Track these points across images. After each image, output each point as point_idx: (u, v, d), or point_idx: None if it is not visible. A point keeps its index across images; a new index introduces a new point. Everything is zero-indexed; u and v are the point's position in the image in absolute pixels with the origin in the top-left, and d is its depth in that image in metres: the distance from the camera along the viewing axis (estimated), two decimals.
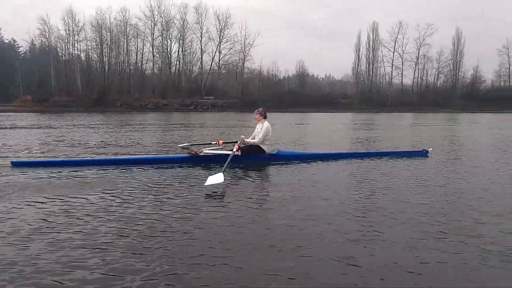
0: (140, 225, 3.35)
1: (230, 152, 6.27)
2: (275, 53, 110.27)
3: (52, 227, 3.29)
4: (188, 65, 65.94)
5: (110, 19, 60.42)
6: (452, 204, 4.28)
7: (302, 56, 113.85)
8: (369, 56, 72.13)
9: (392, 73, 71.98)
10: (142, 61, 63.99)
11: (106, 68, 60.40)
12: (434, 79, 73.52)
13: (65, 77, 57.90)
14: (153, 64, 64.44)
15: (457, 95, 67.62)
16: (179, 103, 55.54)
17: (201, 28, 63.73)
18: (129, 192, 4.54)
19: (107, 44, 60.67)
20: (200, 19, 63.54)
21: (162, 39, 62.98)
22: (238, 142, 6.69)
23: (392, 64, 71.91)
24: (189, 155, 6.79)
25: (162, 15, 62.33)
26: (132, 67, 63.41)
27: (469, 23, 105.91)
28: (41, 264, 2.54)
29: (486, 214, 3.83)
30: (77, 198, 4.24)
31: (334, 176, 5.85)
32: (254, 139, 7.03)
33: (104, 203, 4.07)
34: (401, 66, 72.09)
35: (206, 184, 4.79)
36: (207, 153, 6.74)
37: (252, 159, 6.84)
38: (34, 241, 2.95)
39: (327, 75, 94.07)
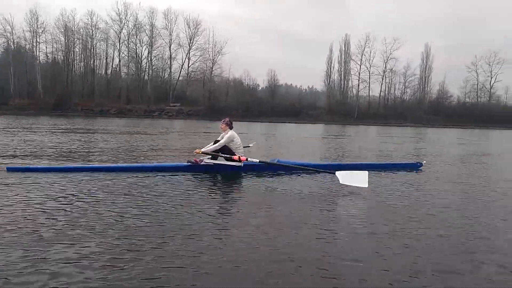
0: (133, 233, 3.36)
1: (233, 163, 6.52)
2: (251, 62, 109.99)
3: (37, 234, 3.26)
4: (157, 71, 64.99)
5: (74, 21, 58.98)
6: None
7: (282, 65, 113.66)
8: (340, 69, 72.86)
9: (359, 86, 72.61)
10: (108, 66, 62.71)
11: (70, 71, 58.63)
12: (400, 93, 74.65)
13: (26, 79, 55.92)
14: (119, 69, 63.08)
15: (423, 109, 68.66)
16: (143, 110, 54.31)
17: (170, 34, 63.00)
18: (125, 200, 4.52)
19: (71, 47, 59.13)
20: (169, 25, 62.84)
21: (128, 44, 61.81)
22: (195, 156, 6.87)
23: (359, 77, 72.61)
24: (189, 163, 6.76)
25: (129, 19, 61.35)
26: (98, 72, 62.02)
27: (440, 38, 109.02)
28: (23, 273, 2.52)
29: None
30: (73, 206, 4.21)
31: (321, 188, 5.85)
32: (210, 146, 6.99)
33: (98, 211, 4.03)
34: (368, 80, 72.89)
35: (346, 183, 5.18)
36: (208, 162, 6.77)
37: (254, 169, 6.89)
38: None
39: (309, 86, 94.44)
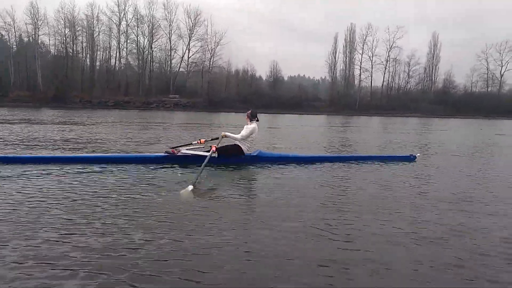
0: (105, 226, 3.30)
1: (208, 154, 6.21)
2: (258, 54, 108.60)
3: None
4: (157, 63, 64.66)
5: (73, 13, 58.84)
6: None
7: (291, 56, 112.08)
8: (345, 59, 71.46)
9: (360, 76, 71.12)
10: (108, 58, 62.47)
11: (69, 63, 58.69)
12: (404, 83, 72.93)
13: (26, 71, 56.26)
14: (119, 61, 62.93)
15: (428, 99, 66.95)
16: (141, 101, 54.14)
17: (170, 26, 62.46)
18: (98, 192, 4.46)
19: (71, 39, 59.14)
20: (169, 16, 62.29)
21: (126, 36, 61.40)
22: (219, 139, 6.80)
23: (360, 67, 71.08)
24: (166, 154, 6.66)
25: (128, 10, 60.93)
26: (98, 64, 62.00)
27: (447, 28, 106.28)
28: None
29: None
30: (48, 194, 4.24)
31: (316, 180, 5.73)
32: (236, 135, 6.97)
33: (66, 203, 3.95)
34: (371, 69, 71.38)
35: (180, 196, 4.57)
36: (185, 153, 6.67)
37: (232, 160, 6.78)
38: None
39: (321, 78, 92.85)
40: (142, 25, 61.61)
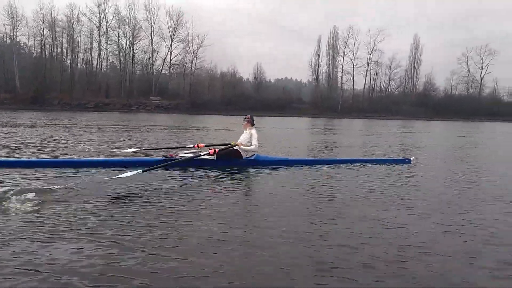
0: (103, 227, 3.35)
1: (207, 156, 6.43)
2: (244, 55, 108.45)
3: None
4: (140, 65, 64.06)
5: (52, 14, 57.88)
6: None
7: (280, 58, 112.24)
8: (328, 62, 71.84)
9: (342, 78, 71.57)
10: (88, 59, 61.60)
11: (49, 65, 57.69)
12: (386, 86, 73.65)
13: (3, 73, 55.09)
14: (100, 63, 62.12)
15: (409, 102, 67.77)
16: (122, 103, 53.52)
17: (151, 27, 61.95)
18: (97, 196, 4.42)
19: (50, 40, 58.18)
20: (150, 17, 61.76)
21: (106, 37, 60.62)
22: (231, 145, 6.89)
23: (342, 69, 71.58)
24: (164, 158, 6.65)
25: (109, 12, 60.19)
26: (79, 65, 61.11)
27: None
28: None
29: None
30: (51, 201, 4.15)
31: (314, 183, 5.75)
32: (248, 146, 7.05)
33: (69, 207, 3.94)
34: (352, 72, 71.90)
35: (119, 176, 4.85)
36: (183, 156, 6.70)
37: (230, 163, 6.83)
38: None
39: (300, 79, 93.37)
40: (123, 27, 60.97)
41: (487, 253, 3.16)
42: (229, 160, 6.88)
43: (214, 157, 6.56)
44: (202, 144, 7.37)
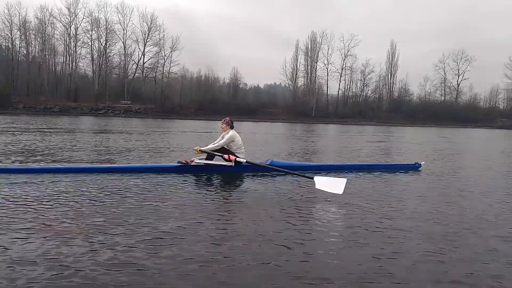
0: (123, 235, 3.25)
1: (224, 163, 6.52)
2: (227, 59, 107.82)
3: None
4: (112, 68, 63.10)
5: (20, 15, 56.83)
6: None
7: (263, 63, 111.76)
8: (307, 67, 71.59)
9: (316, 83, 71.28)
10: (59, 62, 60.57)
11: (16, 67, 56.52)
12: (360, 92, 73.54)
13: None
14: (70, 66, 61.03)
15: (384, 107, 67.83)
16: (89, 107, 52.57)
17: (124, 30, 61.15)
18: (114, 202, 4.37)
19: (19, 43, 57.14)
20: (123, 20, 60.98)
21: (76, 39, 59.66)
22: (194, 152, 6.73)
23: (316, 75, 71.39)
24: (179, 164, 6.60)
25: (81, 14, 59.28)
26: (49, 68, 59.86)
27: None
28: None
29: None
30: (64, 208, 4.08)
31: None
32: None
33: (86, 213, 3.89)
34: (327, 77, 71.84)
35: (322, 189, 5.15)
36: (199, 162, 6.63)
37: (246, 170, 6.75)
38: None
39: (279, 83, 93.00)
40: (97, 29, 60.02)
41: None
42: (245, 167, 6.72)
43: (232, 164, 6.50)
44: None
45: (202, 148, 6.69)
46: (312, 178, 5.56)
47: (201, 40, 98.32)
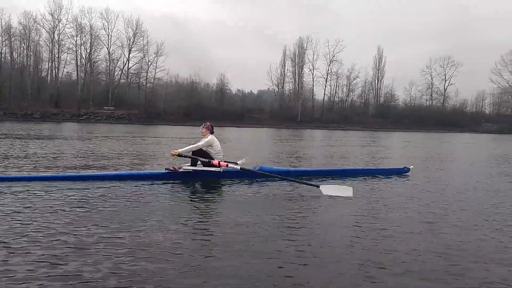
0: (107, 243, 3.25)
1: (212, 169, 6.42)
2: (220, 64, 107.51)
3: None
4: (97, 74, 62.55)
5: (3, 21, 56.28)
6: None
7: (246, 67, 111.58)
8: (294, 72, 71.53)
9: (301, 88, 71.14)
10: (43, 68, 59.89)
11: None
12: (345, 97, 73.50)
13: None
14: (53, 71, 60.38)
15: (370, 113, 67.86)
16: (71, 113, 51.97)
17: (108, 35, 60.75)
18: (98, 210, 4.35)
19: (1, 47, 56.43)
20: (108, 25, 60.64)
21: (59, 44, 59.04)
22: (172, 156, 6.68)
23: (301, 79, 71.30)
24: (167, 171, 6.58)
25: (65, 20, 58.75)
26: (32, 74, 59.14)
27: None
28: None
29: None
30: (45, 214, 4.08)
31: (315, 196, 5.60)
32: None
33: (74, 221, 3.89)
34: (312, 82, 71.82)
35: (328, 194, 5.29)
36: (186, 169, 6.62)
37: (233, 176, 6.76)
38: None
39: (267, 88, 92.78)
40: (80, 35, 59.54)
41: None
42: (232, 172, 6.72)
43: (221, 170, 6.49)
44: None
45: (179, 150, 6.58)
46: (318, 187, 5.71)
47: (194, 44, 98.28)
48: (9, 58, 58.01)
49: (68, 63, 60.71)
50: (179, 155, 6.59)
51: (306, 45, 70.43)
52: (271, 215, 4.43)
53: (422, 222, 4.34)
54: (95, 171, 7.58)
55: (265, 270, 2.83)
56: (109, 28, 60.78)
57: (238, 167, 6.47)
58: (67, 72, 61.55)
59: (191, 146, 6.80)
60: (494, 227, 4.22)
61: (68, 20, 58.62)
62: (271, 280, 2.66)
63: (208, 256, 3.09)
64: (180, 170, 6.57)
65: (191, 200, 5.15)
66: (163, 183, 6.14)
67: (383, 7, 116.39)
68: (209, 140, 6.84)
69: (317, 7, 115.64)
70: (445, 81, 77.18)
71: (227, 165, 6.47)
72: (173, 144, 15.69)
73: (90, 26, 59.55)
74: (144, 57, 61.24)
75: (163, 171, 6.65)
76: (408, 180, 7.62)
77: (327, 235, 3.74)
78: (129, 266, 2.80)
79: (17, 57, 58.37)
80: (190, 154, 6.70)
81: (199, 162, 6.81)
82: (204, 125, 7.16)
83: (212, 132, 7.05)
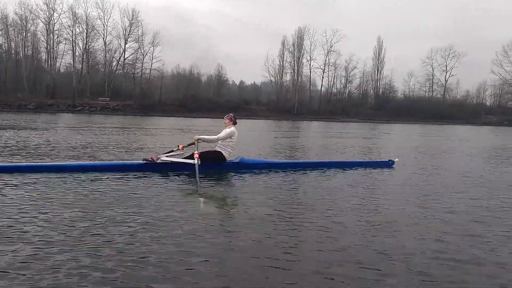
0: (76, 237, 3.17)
1: (191, 161, 6.08)
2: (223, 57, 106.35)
3: None
4: (93, 64, 62.16)
5: None
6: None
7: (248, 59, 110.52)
8: (293, 63, 70.77)
9: (300, 79, 70.45)
10: (36, 58, 59.43)
11: None
12: (343, 88, 72.77)
13: None
14: (49, 62, 59.98)
15: (369, 104, 67.17)
16: (65, 104, 51.72)
17: (104, 25, 60.21)
18: (70, 202, 4.20)
19: None
20: (103, 15, 60.04)
21: (53, 35, 58.52)
22: (195, 144, 6.49)
23: (298, 71, 70.50)
24: (144, 161, 6.44)
25: (60, 10, 58.21)
26: (28, 64, 58.82)
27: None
28: None
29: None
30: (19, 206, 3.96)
31: (299, 186, 5.77)
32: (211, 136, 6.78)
33: (47, 212, 3.79)
34: (309, 73, 71.08)
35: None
36: (165, 160, 6.47)
37: (213, 167, 6.61)
38: None
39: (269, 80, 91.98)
40: (74, 25, 58.98)
41: None
42: (212, 164, 6.62)
43: (199, 162, 6.06)
44: (181, 146, 7.02)
45: (199, 137, 6.59)
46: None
47: (196, 37, 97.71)
48: (5, 49, 57.64)
49: (65, 53, 60.41)
50: (201, 140, 6.57)
51: (304, 36, 69.55)
52: (247, 208, 4.36)
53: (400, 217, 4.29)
54: (71, 161, 7.41)
55: (248, 265, 2.81)
56: (105, 18, 60.27)
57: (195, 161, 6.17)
58: (64, 63, 61.14)
59: (213, 136, 6.77)
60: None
61: (63, 10, 58.17)
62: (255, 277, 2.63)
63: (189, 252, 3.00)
64: (158, 161, 6.47)
65: (168, 194, 4.95)
66: (138, 175, 6.00)
67: (385, 5, 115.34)
68: (231, 131, 6.82)
69: (319, 4, 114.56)
70: (446, 72, 76.24)
71: (198, 156, 6.21)
72: (161, 138, 15.36)
73: (86, 16, 59.08)
74: (139, 48, 60.77)
75: (141, 161, 6.54)
76: (391, 173, 7.59)
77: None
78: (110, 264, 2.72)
79: (14, 48, 58.03)
80: (210, 142, 6.82)
81: (176, 153, 6.79)
82: (228, 115, 7.14)
83: (235, 123, 7.07)
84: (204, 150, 6.65)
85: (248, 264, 2.80)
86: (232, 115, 7.17)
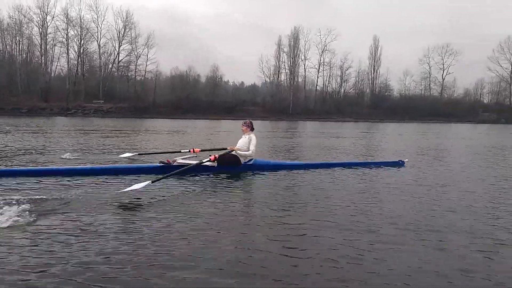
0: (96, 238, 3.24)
1: (208, 163, 6.28)
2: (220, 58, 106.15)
3: None
4: (87, 67, 61.96)
5: None
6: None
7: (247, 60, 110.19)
8: (289, 63, 70.56)
9: (293, 80, 70.15)
10: (29, 62, 59.27)
11: None
12: (339, 87, 72.46)
13: None
14: (44, 65, 59.79)
15: (365, 103, 66.81)
16: (59, 108, 51.53)
17: (97, 27, 60.05)
18: (92, 205, 4.25)
19: None
20: (97, 17, 59.89)
21: (47, 38, 58.39)
22: (228, 151, 6.75)
23: (293, 70, 70.25)
24: (161, 164, 6.52)
25: (54, 13, 58.05)
26: (21, 67, 58.65)
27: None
28: None
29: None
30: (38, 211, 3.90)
31: (313, 187, 5.73)
32: (246, 151, 6.93)
33: (63, 217, 3.79)
34: (304, 73, 70.82)
35: (126, 190, 4.60)
36: (181, 162, 6.58)
37: (228, 169, 6.69)
38: None
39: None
40: (69, 28, 58.88)
41: None
42: (228, 166, 6.73)
43: (215, 164, 6.44)
44: (198, 149, 7.22)
45: (237, 148, 6.84)
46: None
47: (192, 37, 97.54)
48: None
49: (60, 56, 60.23)
50: (237, 151, 6.81)
51: (299, 35, 69.34)
52: (267, 210, 4.36)
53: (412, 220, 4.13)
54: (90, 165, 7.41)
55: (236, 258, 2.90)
56: (99, 21, 60.12)
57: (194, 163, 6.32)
58: (59, 66, 60.95)
59: (249, 152, 6.87)
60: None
61: (56, 13, 57.98)
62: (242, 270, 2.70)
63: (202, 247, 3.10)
64: (174, 164, 6.54)
65: (185, 195, 5.04)
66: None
67: (382, 2, 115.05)
68: (256, 140, 7.01)
69: (315, 1, 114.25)
70: (443, 71, 75.88)
71: (215, 158, 6.41)
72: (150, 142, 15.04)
73: (80, 18, 58.91)
74: (133, 50, 60.60)
75: (157, 164, 6.59)
76: (403, 173, 7.50)
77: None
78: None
79: (9, 51, 57.86)
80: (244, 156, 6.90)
81: (194, 155, 7.04)
82: (245, 122, 7.16)
83: (252, 129, 7.16)
84: (221, 154, 6.68)
85: (267, 262, 2.83)
86: (249, 121, 7.22)
